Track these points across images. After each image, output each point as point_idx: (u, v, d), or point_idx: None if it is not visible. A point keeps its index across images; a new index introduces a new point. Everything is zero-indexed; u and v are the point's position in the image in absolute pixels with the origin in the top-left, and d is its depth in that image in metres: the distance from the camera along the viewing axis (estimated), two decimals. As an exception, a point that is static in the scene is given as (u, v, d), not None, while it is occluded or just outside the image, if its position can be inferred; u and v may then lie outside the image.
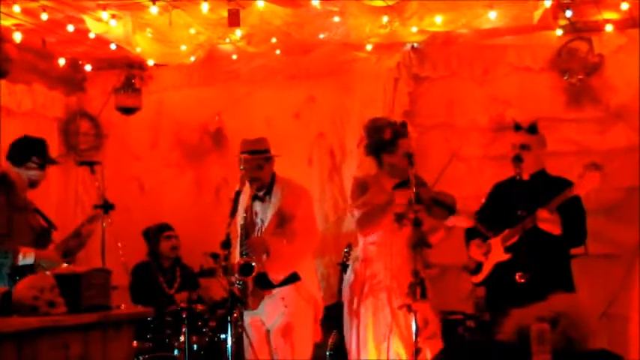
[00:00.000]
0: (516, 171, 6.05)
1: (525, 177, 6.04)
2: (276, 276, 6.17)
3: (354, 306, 6.11)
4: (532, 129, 6.10)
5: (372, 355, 6.02)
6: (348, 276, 6.31)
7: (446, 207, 5.97)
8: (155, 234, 7.81)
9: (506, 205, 6.08)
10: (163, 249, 7.80)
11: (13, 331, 4.05)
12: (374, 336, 6.02)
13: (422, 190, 5.88)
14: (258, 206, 6.34)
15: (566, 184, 5.90)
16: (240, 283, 6.06)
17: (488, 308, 6.46)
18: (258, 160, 6.24)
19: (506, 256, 5.98)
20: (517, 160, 6.01)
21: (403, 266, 5.97)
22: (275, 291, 6.20)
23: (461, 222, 6.11)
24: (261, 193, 6.32)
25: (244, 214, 6.29)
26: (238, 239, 6.26)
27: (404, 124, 6.23)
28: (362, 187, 6.19)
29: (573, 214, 5.82)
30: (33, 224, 6.01)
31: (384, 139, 6.08)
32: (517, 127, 6.11)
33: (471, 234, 6.25)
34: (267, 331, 6.29)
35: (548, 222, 5.75)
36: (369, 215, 6.07)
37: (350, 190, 6.37)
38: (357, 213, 6.14)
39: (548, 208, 5.74)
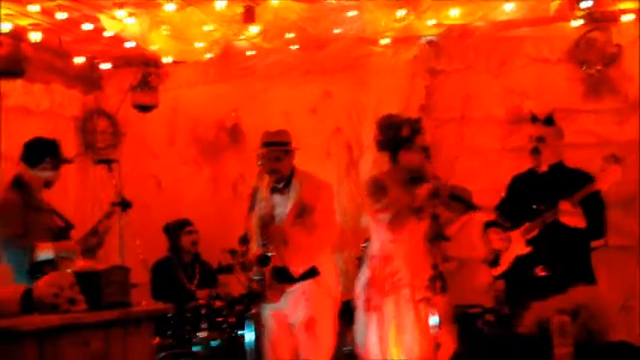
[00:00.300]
0: (534, 163, 6.04)
1: (543, 169, 6.03)
2: (296, 268, 6.18)
3: (375, 303, 6.08)
4: (549, 120, 6.08)
5: (393, 353, 6.01)
6: (364, 273, 6.28)
7: (463, 202, 5.97)
8: (176, 229, 7.83)
9: (524, 197, 6.07)
10: (184, 244, 7.81)
11: (34, 329, 4.07)
12: (396, 332, 6.00)
13: (439, 185, 5.87)
14: (277, 198, 6.35)
15: (585, 176, 5.89)
16: (259, 276, 6.09)
17: (508, 301, 6.45)
18: (276, 152, 6.27)
19: (526, 249, 5.97)
20: (535, 152, 6.00)
21: (422, 261, 5.96)
22: (296, 285, 6.22)
23: (482, 216, 6.11)
24: (280, 186, 6.34)
25: (261, 204, 6.30)
26: (256, 232, 6.28)
27: (419, 120, 6.24)
28: (380, 187, 6.13)
29: (593, 206, 5.80)
30: (49, 224, 6.06)
31: (401, 137, 6.06)
32: (534, 119, 6.10)
33: (489, 224, 6.24)
34: (291, 325, 6.31)
35: (570, 215, 5.73)
36: (399, 216, 6.02)
37: (367, 191, 6.33)
38: (384, 215, 6.08)
39: (570, 201, 5.72)
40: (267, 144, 6.33)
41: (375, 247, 6.20)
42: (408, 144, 6.03)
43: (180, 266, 7.79)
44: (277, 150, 6.30)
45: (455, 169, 6.41)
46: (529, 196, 6.05)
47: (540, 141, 6.02)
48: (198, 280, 7.76)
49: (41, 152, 6.13)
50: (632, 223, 7.15)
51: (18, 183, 6.07)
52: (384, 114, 6.35)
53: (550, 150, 6.06)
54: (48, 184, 6.20)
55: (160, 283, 7.61)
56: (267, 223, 6.27)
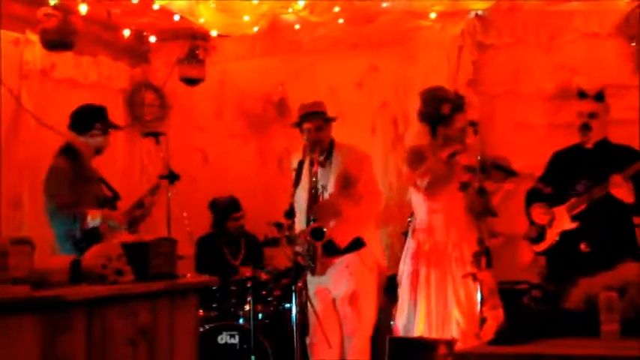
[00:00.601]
0: (583, 139, 5.99)
1: (590, 145, 5.98)
2: (342, 239, 6.22)
3: (422, 276, 6.09)
4: (599, 97, 6.01)
5: (422, 326, 6.03)
6: (409, 246, 6.29)
7: (504, 169, 5.98)
8: (224, 213, 7.81)
9: (567, 173, 6.02)
10: (230, 228, 7.81)
11: (82, 299, 4.12)
12: (436, 306, 6.01)
13: (484, 159, 5.88)
14: (318, 172, 6.37)
15: (632, 152, 5.83)
16: (309, 249, 6.13)
17: (551, 277, 6.41)
18: (318, 122, 6.31)
19: (572, 225, 5.92)
20: (585, 128, 5.94)
21: (464, 234, 5.97)
22: (339, 259, 6.24)
23: (523, 184, 6.10)
24: (321, 158, 6.36)
25: (306, 180, 6.33)
26: (301, 207, 6.30)
27: (462, 97, 6.23)
28: (419, 156, 6.18)
29: (640, 182, 5.75)
30: (98, 193, 6.11)
31: (441, 114, 6.08)
32: (582, 95, 6.04)
33: (530, 200, 6.20)
34: (334, 300, 6.34)
35: (621, 188, 5.67)
36: (436, 181, 6.04)
37: (407, 160, 6.35)
38: (421, 182, 6.11)
39: (623, 174, 5.66)
40: (308, 114, 6.36)
41: (417, 220, 6.23)
42: (447, 121, 6.06)
43: (225, 243, 7.81)
44: (319, 119, 6.33)
45: (502, 144, 6.36)
46: (573, 172, 6.00)
47: (592, 117, 5.96)
48: (244, 254, 7.79)
49: (90, 118, 6.18)
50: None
51: (69, 150, 6.11)
52: (429, 87, 6.37)
53: (598, 126, 6.00)
54: (99, 150, 6.26)
55: (204, 259, 7.63)
56: (315, 197, 6.29)
